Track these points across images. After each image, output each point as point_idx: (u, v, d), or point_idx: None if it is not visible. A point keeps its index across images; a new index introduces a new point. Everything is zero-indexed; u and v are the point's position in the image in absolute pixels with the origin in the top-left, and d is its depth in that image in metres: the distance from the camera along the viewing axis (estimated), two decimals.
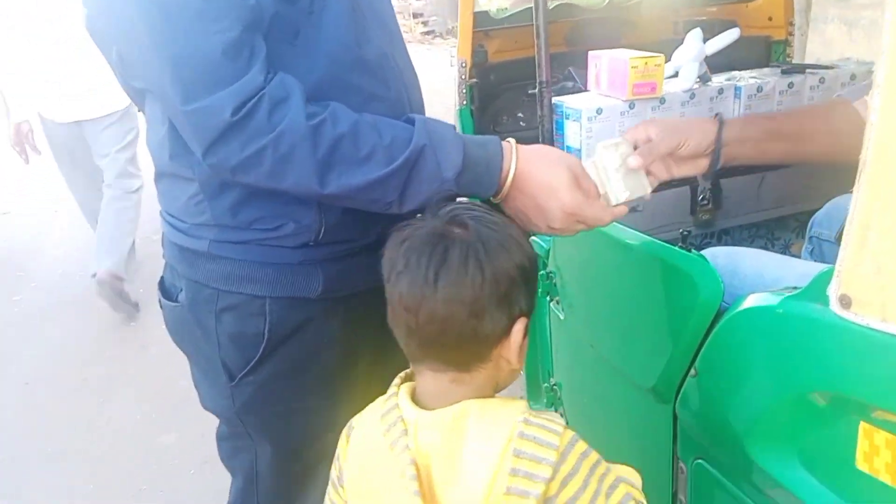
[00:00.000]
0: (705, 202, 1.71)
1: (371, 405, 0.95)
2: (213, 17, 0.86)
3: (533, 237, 1.68)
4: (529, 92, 2.10)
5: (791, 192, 1.81)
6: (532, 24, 1.54)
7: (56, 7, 3.23)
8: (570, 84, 2.04)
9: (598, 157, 1.13)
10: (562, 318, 1.68)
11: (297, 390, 1.14)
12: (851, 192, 0.76)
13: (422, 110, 1.15)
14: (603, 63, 1.66)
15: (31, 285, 3.99)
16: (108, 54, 1.04)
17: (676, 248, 1.18)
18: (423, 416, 0.86)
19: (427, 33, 11.96)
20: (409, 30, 11.70)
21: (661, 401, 1.24)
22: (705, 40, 1.73)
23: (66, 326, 3.47)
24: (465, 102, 2.23)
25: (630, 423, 1.43)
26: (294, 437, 1.18)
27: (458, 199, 1.00)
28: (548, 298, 1.73)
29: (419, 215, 0.91)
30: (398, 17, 1.21)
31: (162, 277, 1.19)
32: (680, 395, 1.17)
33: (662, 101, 1.65)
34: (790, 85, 1.74)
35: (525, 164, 1.01)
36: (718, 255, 1.23)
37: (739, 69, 1.88)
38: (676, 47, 1.77)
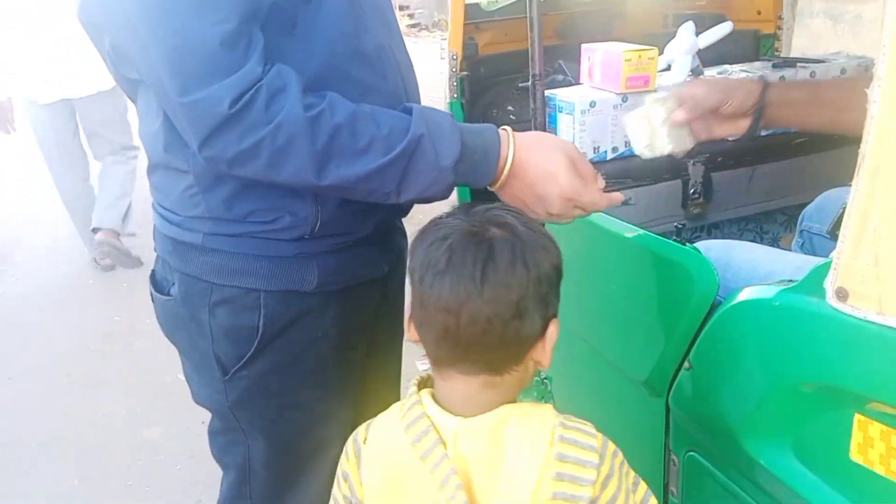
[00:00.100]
0: (696, 196, 1.71)
1: (382, 417, 0.91)
2: (210, 7, 0.85)
3: None
4: (520, 85, 2.10)
5: (781, 186, 1.83)
6: (523, 17, 1.53)
7: (56, 7, 3.23)
8: (560, 77, 2.04)
9: (648, 109, 1.15)
10: None
11: (291, 384, 1.13)
12: (841, 186, 0.76)
13: (418, 103, 1.14)
14: (596, 56, 1.66)
15: (12, 279, 3.94)
16: (100, 45, 1.02)
17: (671, 241, 1.19)
18: (461, 423, 0.83)
19: (413, 26, 11.92)
20: None
21: (653, 394, 1.25)
22: (697, 34, 1.74)
23: (50, 321, 3.43)
24: (455, 95, 2.22)
25: (622, 416, 1.43)
26: (288, 431, 1.17)
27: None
28: None
29: (444, 214, 0.88)
30: None
31: (153, 271, 1.18)
32: (673, 388, 1.18)
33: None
34: (781, 79, 1.74)
35: (522, 152, 1.01)
36: (712, 249, 1.24)
37: (730, 63, 1.88)
38: (667, 40, 1.77)
